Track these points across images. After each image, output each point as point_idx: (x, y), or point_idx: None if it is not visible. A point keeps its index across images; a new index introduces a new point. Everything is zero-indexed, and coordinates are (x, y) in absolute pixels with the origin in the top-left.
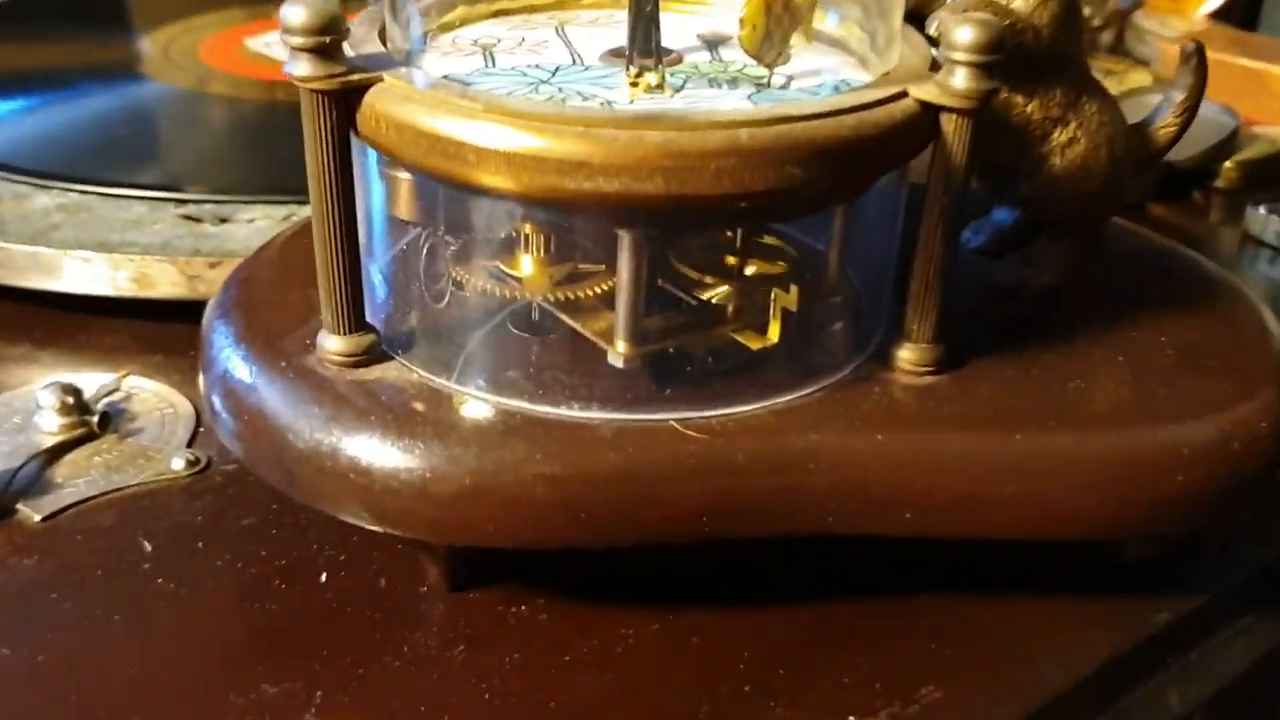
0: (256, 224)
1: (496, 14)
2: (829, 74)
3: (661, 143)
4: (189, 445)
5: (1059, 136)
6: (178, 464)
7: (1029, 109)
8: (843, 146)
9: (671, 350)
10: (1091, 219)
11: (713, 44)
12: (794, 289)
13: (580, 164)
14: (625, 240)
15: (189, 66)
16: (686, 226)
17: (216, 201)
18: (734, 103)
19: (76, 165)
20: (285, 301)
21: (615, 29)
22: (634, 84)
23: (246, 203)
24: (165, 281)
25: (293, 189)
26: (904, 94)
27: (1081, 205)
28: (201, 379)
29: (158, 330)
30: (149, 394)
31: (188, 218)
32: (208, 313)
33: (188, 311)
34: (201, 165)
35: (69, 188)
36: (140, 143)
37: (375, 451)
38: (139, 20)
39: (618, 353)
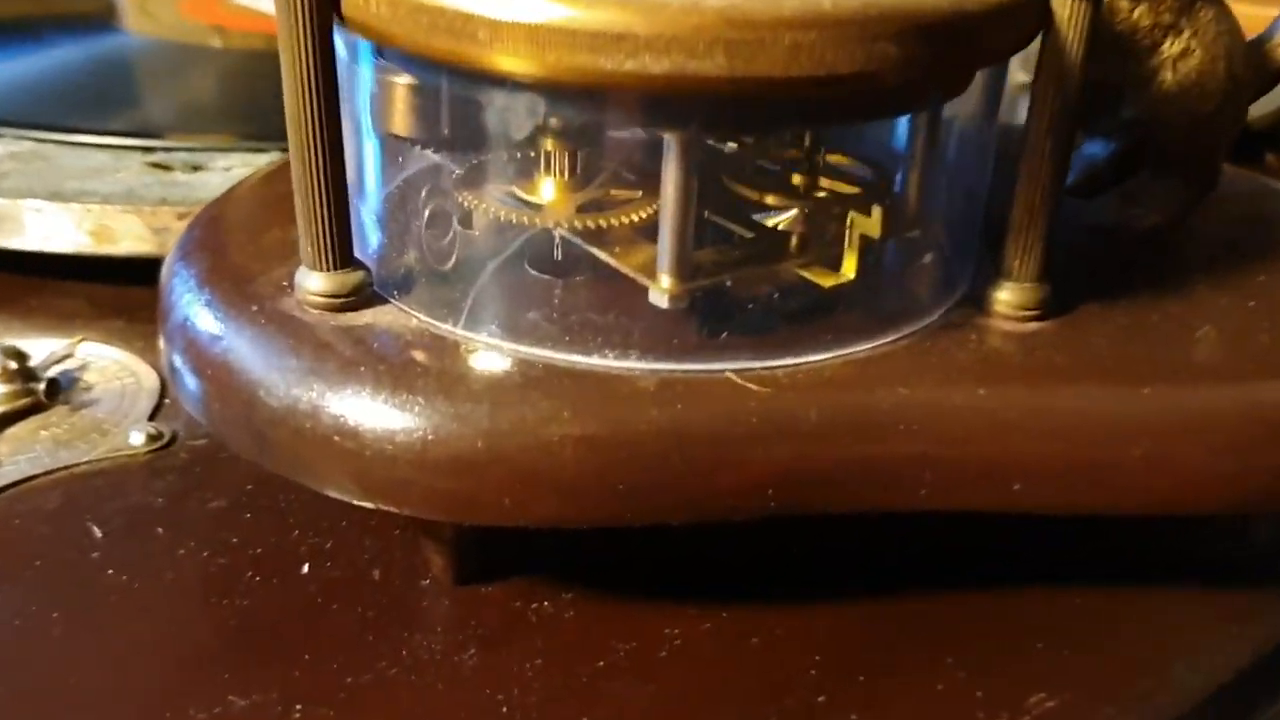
0: (233, 172)
1: None
2: None
3: (723, 9)
4: (151, 418)
5: (1170, 47)
6: (137, 439)
7: (1135, 14)
8: (946, 24)
9: (727, 287)
10: (1204, 149)
11: None
12: (876, 211)
13: (620, 37)
14: (672, 146)
15: (167, 19)
16: (749, 125)
17: (189, 149)
18: None
19: (36, 113)
20: (259, 241)
21: None
22: None
23: (223, 150)
24: (128, 235)
25: (276, 136)
26: None
27: (1194, 131)
28: (160, 332)
29: (120, 293)
30: (108, 362)
31: (156, 165)
32: (169, 255)
33: (154, 271)
34: (175, 114)
35: (24, 135)
36: (108, 91)
37: (365, 409)
38: None
39: (661, 289)
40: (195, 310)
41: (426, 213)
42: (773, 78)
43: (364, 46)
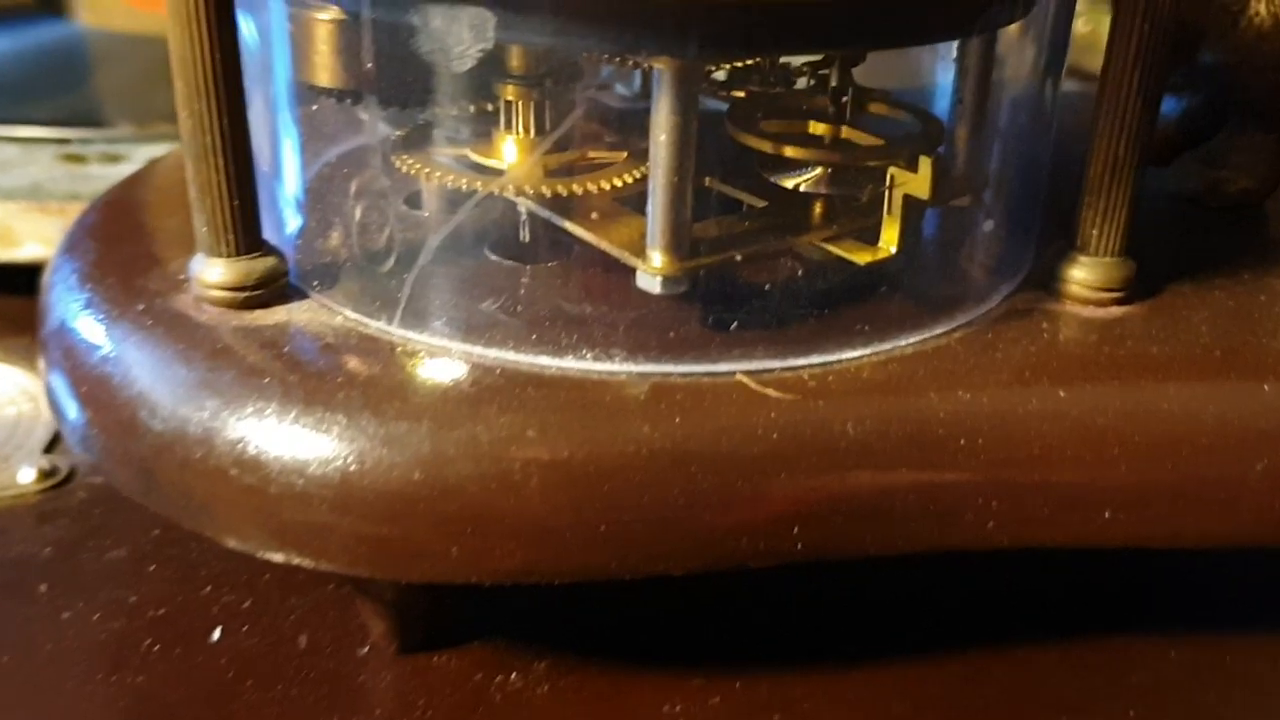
0: None
1: None
2: None
3: None
4: (49, 450)
5: None
6: (27, 476)
7: None
8: None
9: (735, 266)
10: None
11: None
12: (925, 165)
13: None
14: (664, 79)
15: (104, 7)
16: (762, 42)
17: (107, 140)
18: None
19: None
20: (161, 228)
21: None
22: None
23: (147, 139)
24: (32, 237)
25: None
26: None
27: None
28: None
29: (23, 305)
30: (3, 385)
31: (70, 158)
32: (57, 246)
33: None
34: (97, 105)
35: None
36: (22, 80)
37: (270, 432)
38: None
39: (652, 269)
40: (72, 312)
41: (356, 183)
42: None
43: None
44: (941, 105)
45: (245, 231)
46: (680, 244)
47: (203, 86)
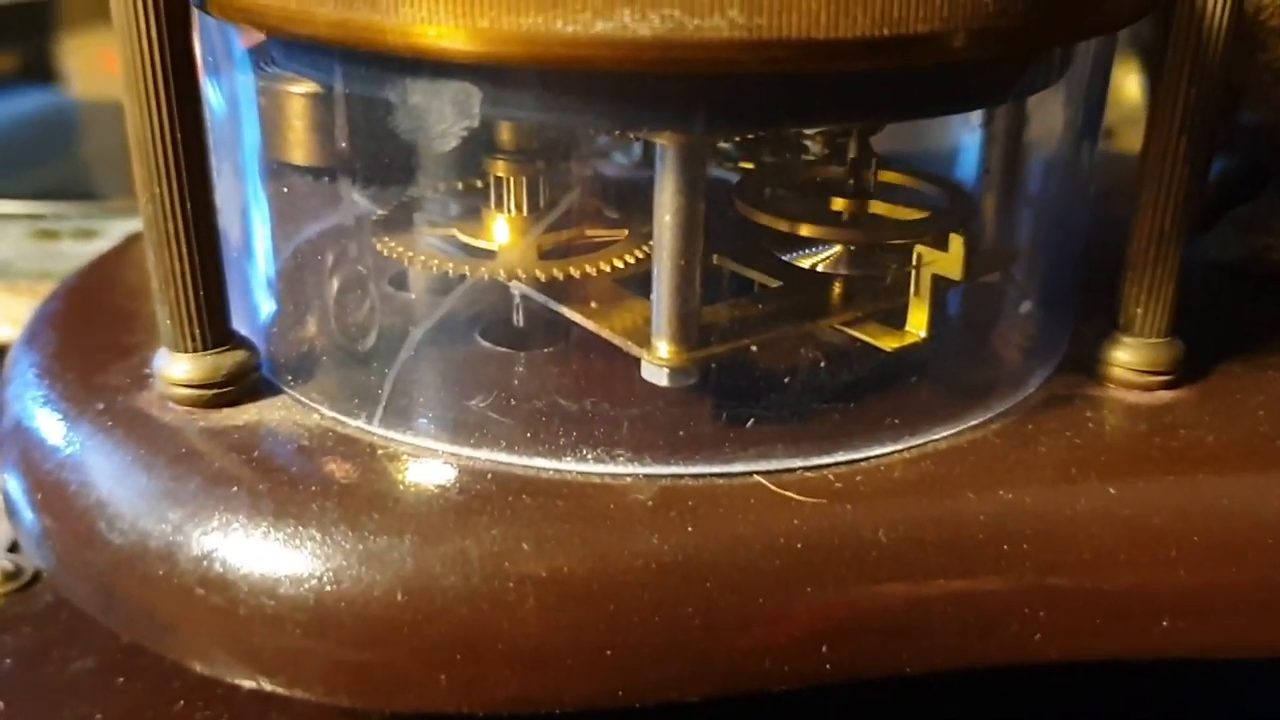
0: None
1: None
2: None
3: None
4: (13, 549)
5: None
6: None
7: None
8: None
9: (749, 355)
10: None
11: None
12: (956, 243)
13: None
14: (668, 156)
15: (92, 76)
16: (776, 118)
17: (82, 215)
18: None
19: None
20: (125, 315)
21: None
22: None
23: (121, 214)
24: (2, 317)
25: None
26: None
27: None
28: None
29: None
30: None
31: (43, 234)
32: (17, 338)
33: None
34: (76, 178)
35: None
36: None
37: (238, 548)
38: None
39: (659, 360)
40: (29, 411)
41: (335, 266)
42: (811, 41)
43: (241, 55)
44: (965, 171)
45: (212, 324)
46: (688, 332)
47: (163, 169)
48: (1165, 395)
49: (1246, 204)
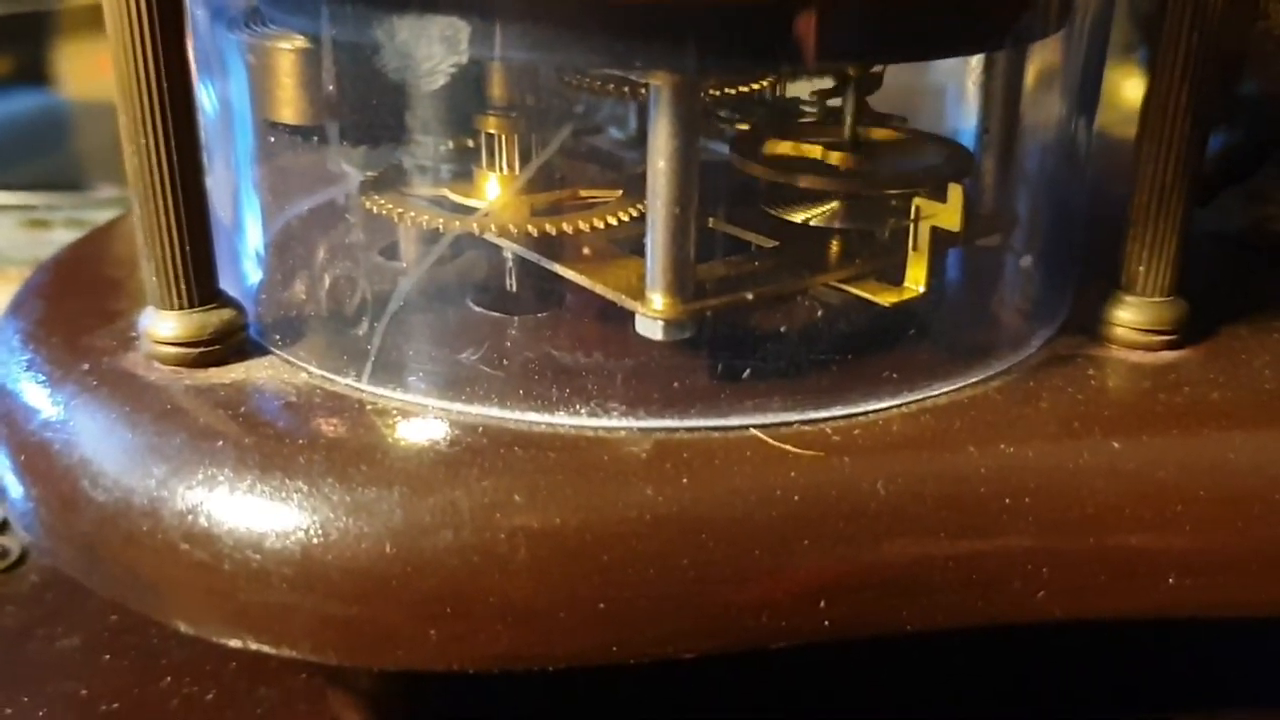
0: None
1: None
2: None
3: None
4: (0, 530)
5: None
6: None
7: None
8: None
9: (746, 308)
10: None
11: None
12: (955, 194)
13: None
14: (662, 99)
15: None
16: (771, 57)
17: (73, 206)
18: None
19: None
20: (112, 283)
21: None
22: None
23: (112, 205)
24: None
25: None
26: None
27: None
28: None
29: None
30: None
31: (34, 223)
32: (4, 310)
33: None
34: (68, 170)
35: None
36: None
37: (223, 502)
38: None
39: (653, 312)
40: (13, 376)
41: (326, 234)
42: None
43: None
44: (964, 136)
45: (199, 281)
46: (684, 284)
47: (148, 116)
48: (1169, 355)
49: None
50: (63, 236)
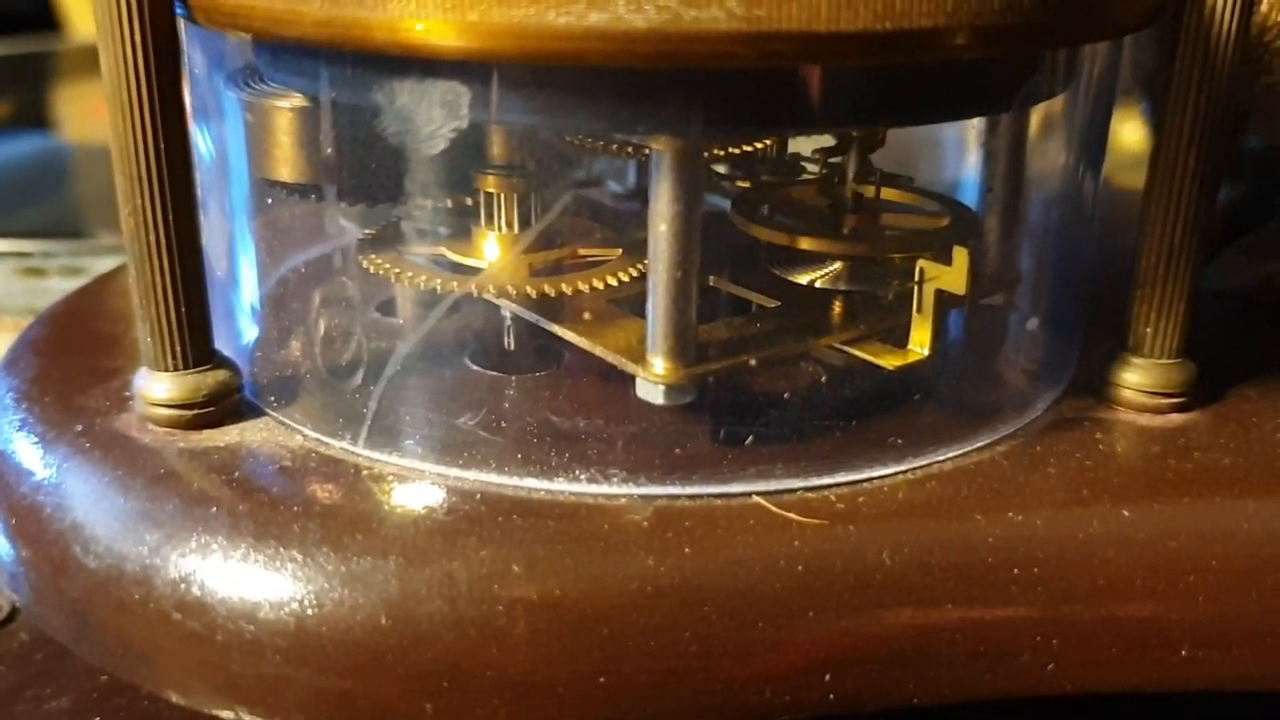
0: None
1: None
2: None
3: None
4: None
5: None
6: None
7: (1266, 3)
8: None
9: (748, 373)
10: None
11: None
12: (961, 257)
13: None
14: (664, 163)
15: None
16: (776, 119)
17: (70, 253)
18: None
19: None
20: (107, 340)
21: None
22: None
23: (108, 252)
24: None
25: None
26: None
27: None
28: None
29: None
30: None
31: (30, 271)
32: None
33: None
34: (65, 217)
35: None
36: None
37: (216, 571)
38: (50, 77)
39: (654, 376)
40: (5, 436)
41: (321, 291)
42: (811, 34)
43: (231, 70)
44: (967, 193)
45: (194, 342)
46: (685, 347)
47: (145, 177)
48: (1177, 418)
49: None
50: (59, 285)
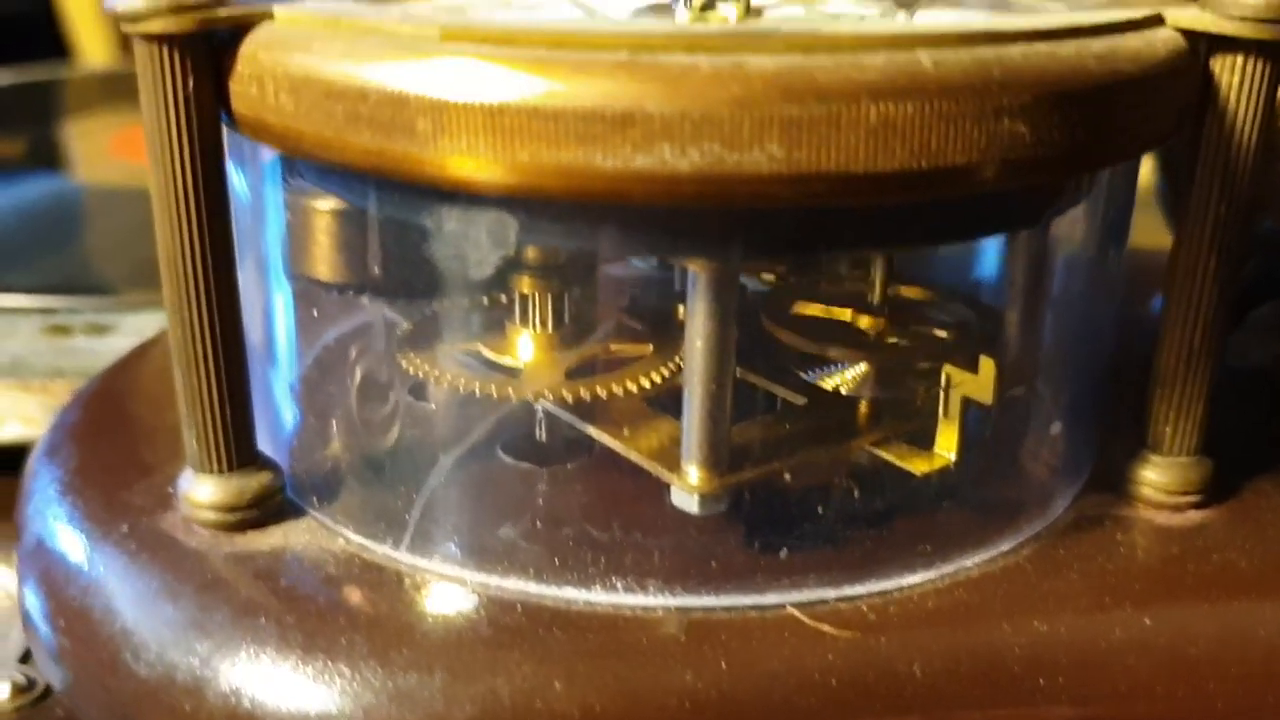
0: (147, 335)
1: None
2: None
3: (777, 73)
4: (24, 660)
5: None
6: None
7: None
8: (1091, 89)
9: (779, 480)
10: None
11: None
12: (987, 367)
13: (624, 120)
14: (702, 283)
15: (94, 161)
16: (811, 246)
17: (94, 309)
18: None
19: None
20: (146, 426)
21: None
22: (703, 6)
23: (134, 309)
24: (13, 416)
25: None
26: (1159, 19)
27: None
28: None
29: (7, 486)
30: None
31: (55, 329)
32: (35, 448)
33: None
34: (84, 268)
35: None
36: (10, 242)
37: (267, 682)
38: (59, 111)
39: (689, 486)
40: (51, 530)
41: (359, 383)
42: (849, 174)
43: (270, 163)
44: (987, 285)
45: (238, 445)
46: (719, 458)
47: (194, 294)
48: (1195, 516)
49: (1265, 306)
50: (83, 344)
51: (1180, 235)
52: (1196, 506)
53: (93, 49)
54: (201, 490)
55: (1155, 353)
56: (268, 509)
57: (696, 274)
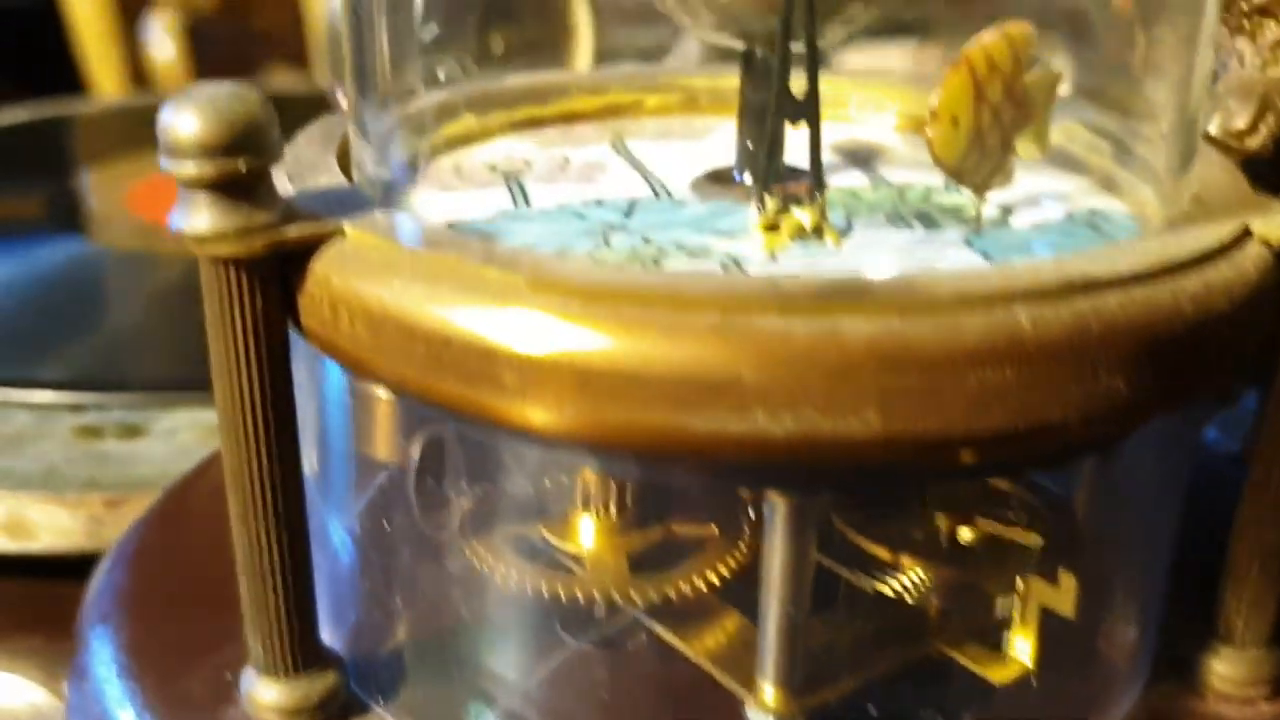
0: (180, 438)
1: (521, 124)
2: (1058, 201)
3: (874, 340)
4: None
5: None
6: None
7: None
8: (1186, 332)
9: (854, 694)
10: None
11: (864, 159)
12: (1069, 582)
13: (720, 388)
14: (781, 514)
15: (111, 216)
16: (900, 488)
17: (124, 406)
18: (952, 255)
19: None
20: (196, 600)
21: (696, 141)
22: (770, 227)
23: (165, 406)
24: (50, 529)
25: None
26: (1246, 233)
27: None
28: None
29: (38, 594)
30: (9, 702)
31: (86, 431)
32: (87, 596)
33: (84, 566)
34: (111, 354)
35: None
36: (28, 321)
37: None
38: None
39: (764, 707)
40: (112, 709)
41: (418, 572)
42: (948, 435)
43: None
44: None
45: (303, 646)
46: (795, 678)
47: (260, 506)
48: (1266, 709)
49: None
50: (115, 448)
51: (1260, 437)
52: (1268, 698)
53: (106, 82)
54: (266, 693)
55: (1228, 547)
56: (332, 710)
57: (775, 504)
